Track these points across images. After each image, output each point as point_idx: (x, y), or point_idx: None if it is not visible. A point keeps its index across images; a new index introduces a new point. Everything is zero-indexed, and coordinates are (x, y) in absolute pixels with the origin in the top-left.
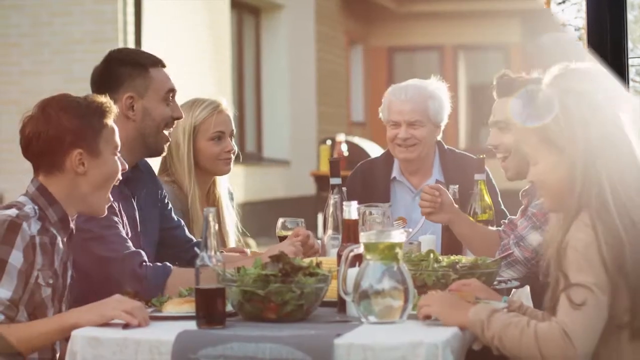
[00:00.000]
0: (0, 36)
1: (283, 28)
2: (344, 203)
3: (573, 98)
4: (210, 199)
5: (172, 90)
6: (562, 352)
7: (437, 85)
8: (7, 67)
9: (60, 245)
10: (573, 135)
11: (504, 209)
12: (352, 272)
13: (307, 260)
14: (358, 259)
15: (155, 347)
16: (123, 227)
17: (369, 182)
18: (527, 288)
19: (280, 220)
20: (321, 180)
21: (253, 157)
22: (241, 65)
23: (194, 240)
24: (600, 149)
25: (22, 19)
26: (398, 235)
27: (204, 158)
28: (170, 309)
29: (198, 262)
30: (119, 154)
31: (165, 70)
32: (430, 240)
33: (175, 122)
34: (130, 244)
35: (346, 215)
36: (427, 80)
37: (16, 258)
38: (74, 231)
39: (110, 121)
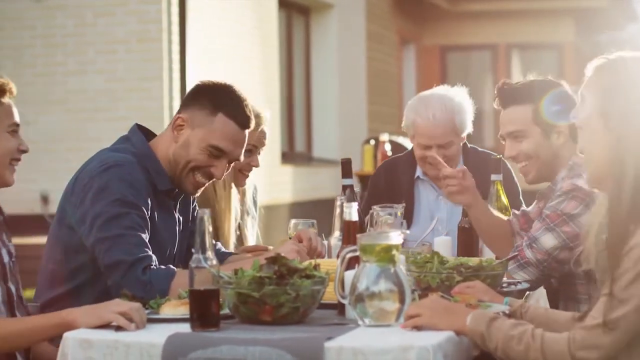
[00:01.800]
0: (45, 36)
1: (333, 27)
2: (345, 204)
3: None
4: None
5: (220, 150)
6: None
7: (459, 95)
8: (52, 67)
9: None
10: (631, 119)
11: (525, 207)
12: (350, 274)
13: (305, 263)
14: (358, 260)
15: (145, 350)
16: (149, 234)
17: (392, 180)
18: (543, 290)
19: (293, 222)
20: (365, 180)
21: (303, 157)
22: (290, 65)
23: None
24: None
25: (66, 19)
26: (395, 237)
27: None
28: (167, 311)
29: (193, 263)
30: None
31: (243, 131)
32: (445, 242)
33: (213, 177)
34: (147, 248)
35: (347, 217)
36: (449, 90)
37: None
38: (3, 217)
39: (6, 99)
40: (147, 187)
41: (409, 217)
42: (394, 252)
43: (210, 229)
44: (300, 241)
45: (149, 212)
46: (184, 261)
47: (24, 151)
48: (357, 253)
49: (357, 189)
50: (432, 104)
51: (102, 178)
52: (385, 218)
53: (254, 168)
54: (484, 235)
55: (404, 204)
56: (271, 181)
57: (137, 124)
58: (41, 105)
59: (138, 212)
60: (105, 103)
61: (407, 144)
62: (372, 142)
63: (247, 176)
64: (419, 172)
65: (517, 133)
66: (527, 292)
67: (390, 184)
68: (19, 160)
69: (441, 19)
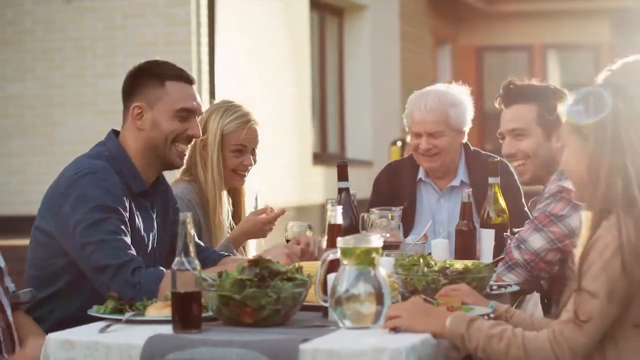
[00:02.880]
0: (75, 39)
1: (367, 28)
2: (329, 208)
3: (609, 91)
4: (235, 207)
5: (187, 110)
6: None
7: (458, 91)
8: (82, 70)
9: None
10: (601, 126)
11: (528, 210)
12: (333, 277)
13: (290, 265)
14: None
15: (125, 351)
16: (130, 235)
17: (395, 183)
18: (537, 294)
19: (289, 224)
20: None
21: (335, 158)
22: (323, 66)
23: (203, 245)
24: (631, 145)
25: (96, 21)
26: (375, 240)
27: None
28: (152, 313)
29: (175, 266)
30: None
31: (192, 87)
32: (442, 245)
33: (193, 138)
34: (131, 250)
35: (330, 220)
36: (449, 86)
37: None
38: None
39: None
40: (123, 190)
41: (410, 219)
42: (374, 255)
43: (193, 232)
44: (297, 244)
45: (129, 215)
46: (165, 262)
47: None
48: (338, 256)
49: None
50: (428, 95)
51: (78, 186)
52: (380, 221)
53: (249, 168)
54: None
55: (402, 207)
56: (302, 182)
57: (112, 130)
58: (71, 107)
59: (118, 216)
60: None
61: None
62: (399, 143)
63: (244, 175)
64: (421, 174)
65: (519, 131)
66: (523, 297)
67: (393, 186)
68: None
69: (477, 19)
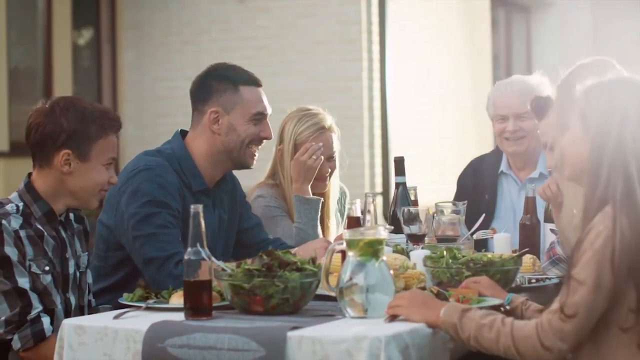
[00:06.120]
0: (249, 38)
1: (555, 24)
2: (348, 201)
3: (622, 86)
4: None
5: (261, 113)
6: (538, 356)
7: (540, 80)
8: (256, 69)
9: (50, 238)
10: (607, 119)
11: None
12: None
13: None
14: None
15: (130, 336)
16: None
17: (478, 176)
18: None
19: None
20: None
21: None
22: (509, 63)
23: (270, 238)
24: (634, 141)
25: (269, 21)
26: (379, 232)
27: None
28: (174, 300)
29: (188, 256)
30: (112, 167)
31: (261, 89)
32: (504, 239)
33: (264, 140)
34: (179, 244)
35: (350, 213)
36: (530, 76)
37: (12, 252)
38: (83, 226)
39: (111, 133)
40: (179, 187)
41: (491, 211)
42: (377, 246)
43: (204, 223)
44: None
45: (183, 211)
46: (229, 257)
47: (113, 184)
48: (344, 247)
49: None
50: (513, 81)
51: (134, 181)
52: (444, 217)
53: (326, 175)
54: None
55: (465, 202)
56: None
57: (180, 130)
58: None
59: (169, 211)
60: (307, 103)
61: None
62: None
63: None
64: (503, 166)
65: (550, 145)
66: None
67: (476, 180)
68: (106, 191)
69: None
